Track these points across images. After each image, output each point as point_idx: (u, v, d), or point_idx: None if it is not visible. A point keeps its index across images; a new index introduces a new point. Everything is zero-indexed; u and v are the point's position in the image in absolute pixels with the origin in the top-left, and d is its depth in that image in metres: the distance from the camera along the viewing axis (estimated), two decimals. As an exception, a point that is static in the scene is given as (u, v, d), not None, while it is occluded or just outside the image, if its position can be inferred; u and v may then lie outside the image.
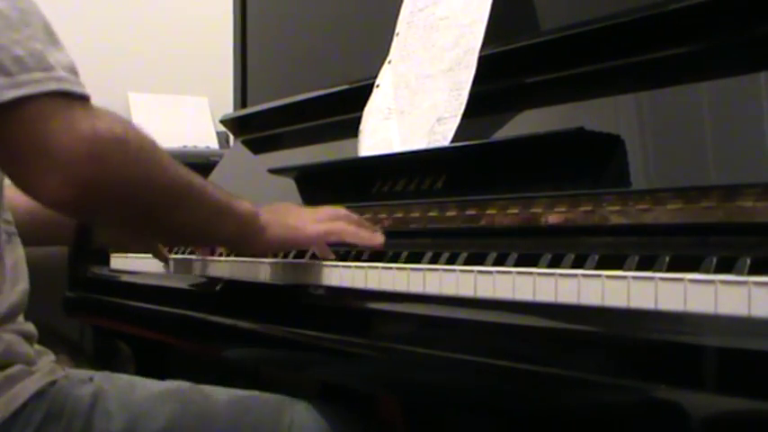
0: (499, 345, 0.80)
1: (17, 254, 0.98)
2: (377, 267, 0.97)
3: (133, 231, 0.98)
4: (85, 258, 1.59)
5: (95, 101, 0.86)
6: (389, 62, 1.32)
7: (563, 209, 0.94)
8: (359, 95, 1.34)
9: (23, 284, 0.97)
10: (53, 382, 0.93)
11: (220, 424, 1.01)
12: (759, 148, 0.84)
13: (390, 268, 0.95)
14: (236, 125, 1.83)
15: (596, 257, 0.83)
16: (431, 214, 1.10)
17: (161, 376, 1.07)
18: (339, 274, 1.03)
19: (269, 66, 1.81)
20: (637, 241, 0.87)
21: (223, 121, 1.88)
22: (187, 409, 1.00)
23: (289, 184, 1.45)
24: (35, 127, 0.79)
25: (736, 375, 0.62)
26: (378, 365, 0.95)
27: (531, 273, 0.80)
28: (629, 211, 0.88)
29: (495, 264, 0.91)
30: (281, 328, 1.08)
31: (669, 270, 0.75)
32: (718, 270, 0.72)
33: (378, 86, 1.32)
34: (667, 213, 0.84)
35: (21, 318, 0.96)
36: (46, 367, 0.95)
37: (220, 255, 1.30)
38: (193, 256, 1.34)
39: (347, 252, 1.12)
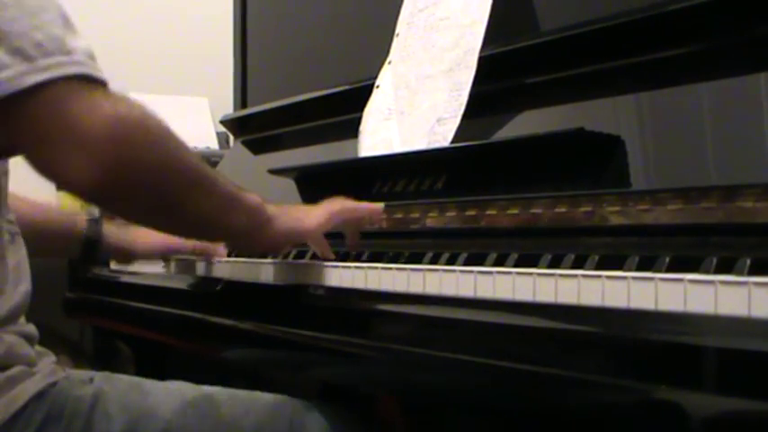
0: (499, 345, 0.80)
1: (20, 254, 0.98)
2: (377, 268, 0.97)
3: (150, 222, 0.97)
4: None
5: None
6: (389, 63, 1.32)
7: (563, 209, 0.94)
8: (359, 96, 1.34)
9: (26, 285, 0.97)
10: (54, 384, 0.93)
11: (221, 425, 1.01)
12: (759, 149, 0.84)
13: (390, 268, 0.95)
14: (236, 125, 1.83)
15: (596, 258, 0.83)
16: (431, 214, 1.10)
17: (161, 377, 1.07)
18: (339, 275, 1.03)
19: (269, 66, 1.81)
20: (637, 242, 0.87)
21: (223, 122, 1.88)
22: (187, 410, 1.00)
23: (289, 184, 1.45)
24: (57, 110, 0.79)
25: (736, 376, 0.62)
26: (378, 366, 0.95)
27: (530, 273, 0.80)
28: (629, 212, 0.88)
29: (495, 264, 0.91)
30: (281, 328, 1.08)
31: (669, 270, 0.75)
32: (718, 270, 0.72)
33: (378, 87, 1.32)
34: (667, 214, 0.84)
35: (22, 319, 0.96)
36: (46, 368, 0.94)
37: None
38: (194, 257, 1.34)
39: (347, 252, 1.12)
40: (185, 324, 1.32)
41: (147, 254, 1.29)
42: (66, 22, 0.83)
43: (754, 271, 0.69)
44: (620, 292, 0.72)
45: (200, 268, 1.32)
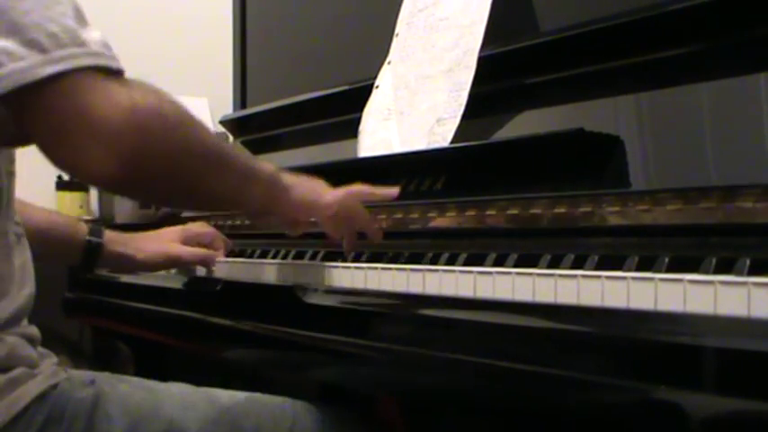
0: (499, 345, 0.80)
1: (24, 256, 0.98)
2: (376, 268, 0.97)
3: (170, 203, 0.97)
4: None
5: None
6: (389, 63, 1.32)
7: (563, 209, 0.94)
8: (358, 96, 1.34)
9: (30, 288, 0.97)
10: (55, 385, 0.93)
11: (222, 426, 1.01)
12: (759, 149, 0.84)
13: (390, 269, 0.95)
14: (235, 126, 1.83)
15: (596, 258, 0.83)
16: (430, 215, 1.10)
17: (161, 377, 1.07)
18: (339, 275, 1.03)
19: (269, 66, 1.81)
20: (636, 242, 0.87)
21: (222, 122, 1.88)
22: (188, 412, 1.00)
23: (288, 184, 1.45)
24: (74, 101, 0.79)
25: (735, 376, 0.62)
26: (378, 366, 0.95)
27: (530, 273, 0.80)
28: (628, 212, 0.87)
29: (495, 264, 0.91)
30: (281, 328, 1.08)
31: (669, 271, 0.75)
32: (718, 271, 0.72)
33: (377, 87, 1.32)
34: (667, 214, 0.84)
35: (25, 321, 0.96)
36: (48, 370, 0.94)
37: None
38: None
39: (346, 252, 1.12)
40: (185, 324, 1.32)
41: (148, 265, 1.29)
42: (79, 14, 0.83)
43: (753, 271, 0.68)
44: (619, 293, 0.72)
45: (200, 268, 1.32)
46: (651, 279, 0.70)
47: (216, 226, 1.39)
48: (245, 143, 1.78)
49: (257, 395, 1.07)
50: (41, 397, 0.91)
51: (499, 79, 1.15)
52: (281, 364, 1.18)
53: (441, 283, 0.89)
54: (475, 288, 0.85)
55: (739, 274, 0.68)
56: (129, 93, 0.81)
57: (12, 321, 0.92)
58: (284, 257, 1.25)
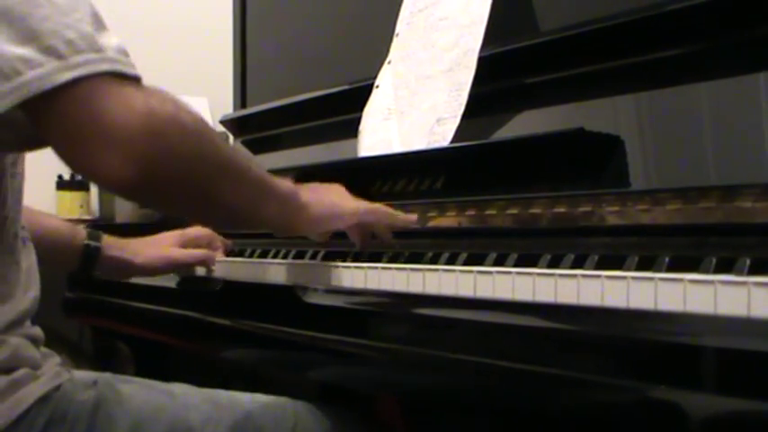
0: (499, 345, 0.80)
1: (30, 259, 0.98)
2: (377, 267, 0.97)
3: (185, 213, 0.97)
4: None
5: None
6: (389, 63, 1.32)
7: (562, 209, 0.94)
8: (359, 96, 1.34)
9: (35, 291, 0.97)
10: (57, 387, 0.93)
11: (223, 427, 1.01)
12: (759, 148, 0.84)
13: (390, 268, 0.95)
14: (235, 125, 1.83)
15: (596, 258, 0.83)
16: (430, 214, 1.10)
17: (161, 377, 1.07)
18: (339, 275, 1.03)
19: (269, 66, 1.81)
20: (636, 242, 0.87)
21: (223, 122, 1.88)
22: (190, 413, 1.00)
23: (288, 184, 1.45)
24: (91, 107, 0.79)
25: (735, 376, 0.62)
26: (378, 366, 0.95)
27: (530, 273, 0.80)
28: (628, 212, 0.88)
29: (495, 264, 0.91)
30: (281, 328, 1.08)
31: (668, 270, 0.75)
32: (718, 270, 0.72)
33: (377, 87, 1.32)
34: (667, 214, 0.84)
35: (28, 322, 0.96)
36: (51, 371, 0.94)
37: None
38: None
39: (346, 252, 1.12)
40: (185, 324, 1.32)
41: (147, 269, 1.29)
42: (97, 20, 0.83)
43: (753, 271, 0.69)
44: (619, 292, 0.72)
45: (200, 268, 1.32)
46: (651, 279, 0.70)
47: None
48: (245, 143, 1.78)
49: (259, 396, 1.07)
50: (44, 399, 0.91)
51: (499, 79, 1.15)
52: (281, 363, 1.18)
53: (441, 282, 0.89)
54: (475, 288, 0.85)
55: (739, 273, 0.69)
56: (145, 99, 0.82)
57: (15, 323, 0.92)
58: (284, 257, 1.25)
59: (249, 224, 1.09)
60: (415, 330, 0.92)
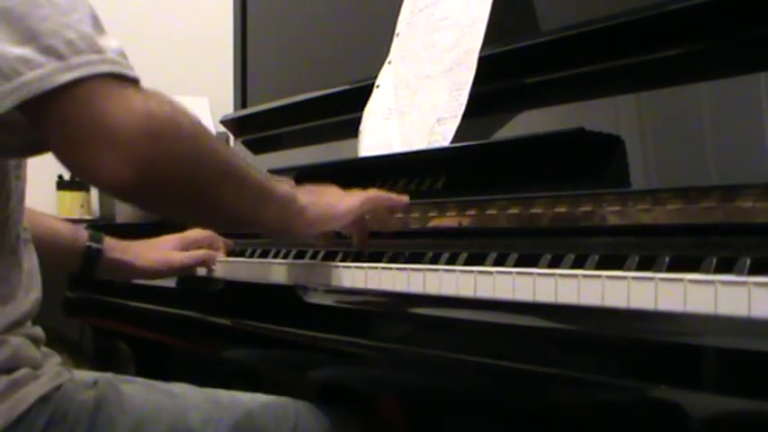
0: (499, 345, 0.80)
1: (32, 261, 0.98)
2: (377, 267, 0.97)
3: (183, 216, 0.96)
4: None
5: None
6: (389, 62, 1.32)
7: (563, 209, 0.94)
8: (359, 95, 1.34)
9: (36, 293, 0.97)
10: (58, 387, 0.93)
11: (224, 427, 1.01)
12: (759, 148, 0.84)
13: (390, 268, 0.95)
14: (236, 125, 1.83)
15: (596, 258, 0.83)
16: (431, 214, 1.10)
17: (162, 377, 1.07)
18: (339, 275, 1.03)
19: (269, 66, 1.81)
20: (636, 242, 0.87)
21: (223, 122, 1.88)
22: (191, 413, 1.00)
23: (289, 184, 1.45)
24: (91, 108, 0.79)
25: (735, 376, 0.62)
26: (378, 366, 0.95)
27: (530, 273, 0.80)
28: (628, 212, 0.88)
29: (495, 264, 0.91)
30: (282, 328, 1.08)
31: (669, 270, 0.75)
32: (718, 270, 0.72)
33: (378, 87, 1.32)
34: (667, 214, 0.84)
35: (29, 322, 0.96)
36: (52, 370, 0.94)
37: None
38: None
39: (346, 252, 1.12)
40: (186, 324, 1.32)
41: (148, 272, 1.29)
42: (96, 22, 0.83)
43: (753, 271, 0.69)
44: (620, 292, 0.72)
45: (201, 268, 1.32)
46: (651, 279, 0.70)
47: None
48: (245, 143, 1.78)
49: (260, 396, 1.07)
50: (44, 399, 0.91)
51: (499, 79, 1.15)
52: (281, 363, 1.18)
53: (441, 282, 0.89)
54: (475, 288, 0.85)
55: (739, 273, 0.69)
56: (144, 101, 0.82)
57: (16, 324, 0.92)
58: (285, 257, 1.25)
59: (248, 227, 1.09)
60: (416, 330, 0.92)
